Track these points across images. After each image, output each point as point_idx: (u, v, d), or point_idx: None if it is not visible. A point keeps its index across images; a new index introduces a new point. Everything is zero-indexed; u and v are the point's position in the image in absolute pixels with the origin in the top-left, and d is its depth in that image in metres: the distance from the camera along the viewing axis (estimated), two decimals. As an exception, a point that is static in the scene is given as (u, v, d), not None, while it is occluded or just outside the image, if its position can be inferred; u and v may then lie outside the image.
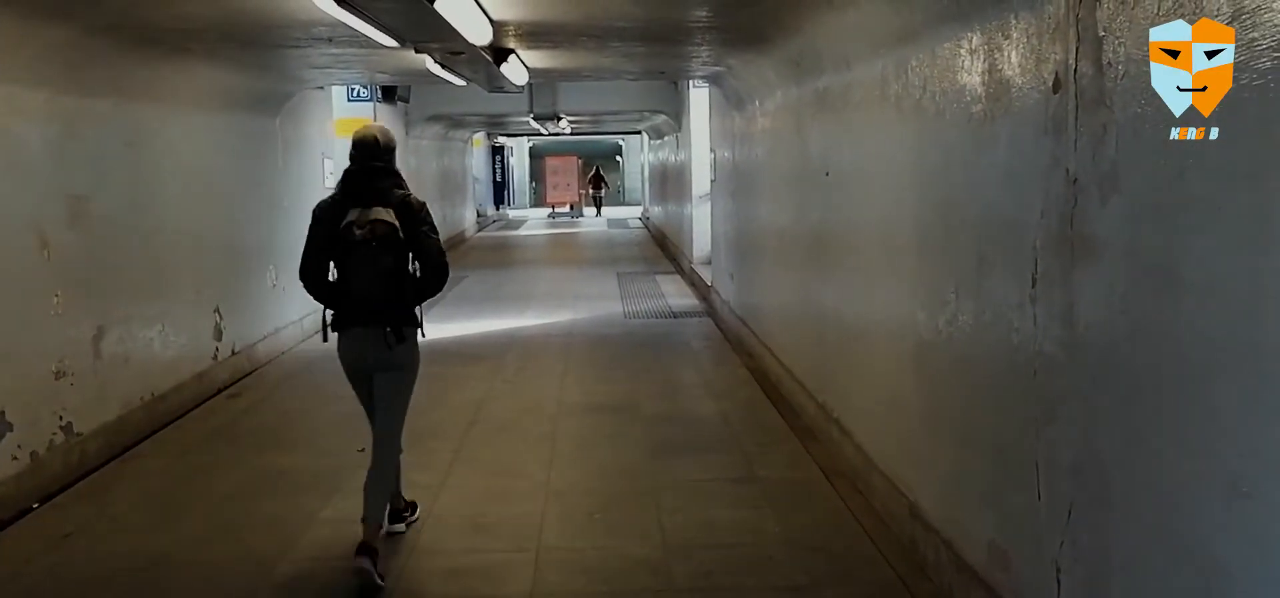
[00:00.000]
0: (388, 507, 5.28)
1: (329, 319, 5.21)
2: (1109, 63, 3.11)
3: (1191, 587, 2.84)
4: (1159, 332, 2.95)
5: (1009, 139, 3.94)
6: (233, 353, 9.53)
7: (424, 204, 5.21)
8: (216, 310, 9.21)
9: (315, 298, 5.25)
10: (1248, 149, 2.57)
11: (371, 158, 5.08)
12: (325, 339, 5.30)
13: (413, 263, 5.13)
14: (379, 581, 4.84)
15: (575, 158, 39.86)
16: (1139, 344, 3.05)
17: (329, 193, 5.25)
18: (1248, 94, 2.52)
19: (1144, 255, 3.02)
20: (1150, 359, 3.00)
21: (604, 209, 39.27)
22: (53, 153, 6.65)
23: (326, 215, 5.10)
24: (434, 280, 5.16)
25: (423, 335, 5.41)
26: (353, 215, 4.97)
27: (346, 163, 5.11)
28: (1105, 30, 3.12)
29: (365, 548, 4.88)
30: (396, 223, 4.97)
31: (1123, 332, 3.14)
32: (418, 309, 5.27)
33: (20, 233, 6.26)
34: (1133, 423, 3.10)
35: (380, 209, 4.97)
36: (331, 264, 5.11)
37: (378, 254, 4.98)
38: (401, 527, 5.58)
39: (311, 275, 5.15)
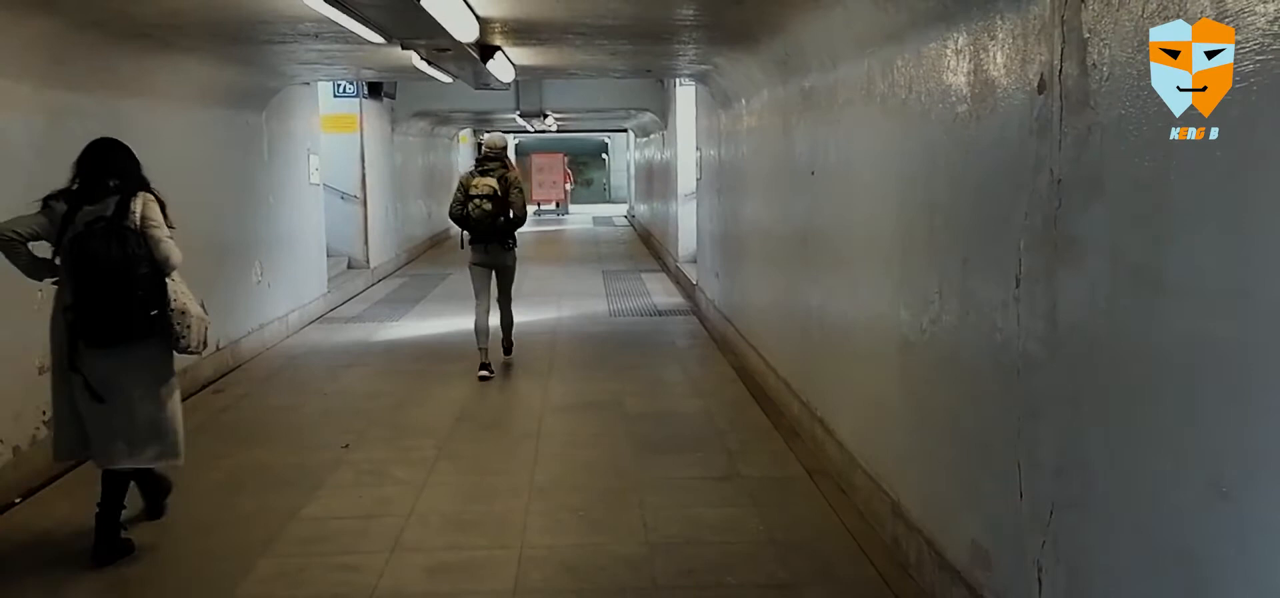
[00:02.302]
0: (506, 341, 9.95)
1: (466, 238, 9.49)
2: (1094, 64, 3.13)
3: (1172, 587, 2.86)
4: (1141, 332, 2.96)
5: (994, 139, 3.96)
6: (217, 348, 9.49)
7: (517, 178, 9.41)
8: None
9: (457, 225, 9.48)
10: (1230, 151, 2.59)
11: (488, 159, 9.43)
12: (462, 247, 9.68)
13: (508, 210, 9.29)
14: (490, 373, 9.27)
15: (562, 155, 39.81)
16: (1121, 345, 3.07)
17: (466, 169, 9.63)
18: (1230, 97, 2.54)
19: (1127, 256, 3.04)
20: (1132, 360, 3.02)
21: (590, 207, 39.21)
22: (36, 146, 6.61)
23: (464, 182, 9.39)
24: (517, 222, 9.36)
25: (515, 247, 9.65)
26: (476, 182, 9.24)
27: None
28: (1090, 32, 3.14)
29: (487, 366, 9.30)
30: (496, 189, 9.19)
31: (1105, 332, 3.16)
32: (513, 235, 9.46)
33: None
34: (1115, 423, 3.12)
35: (491, 181, 9.23)
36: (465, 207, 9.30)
37: (485, 201, 9.16)
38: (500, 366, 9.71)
39: (456, 213, 9.37)
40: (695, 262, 14.19)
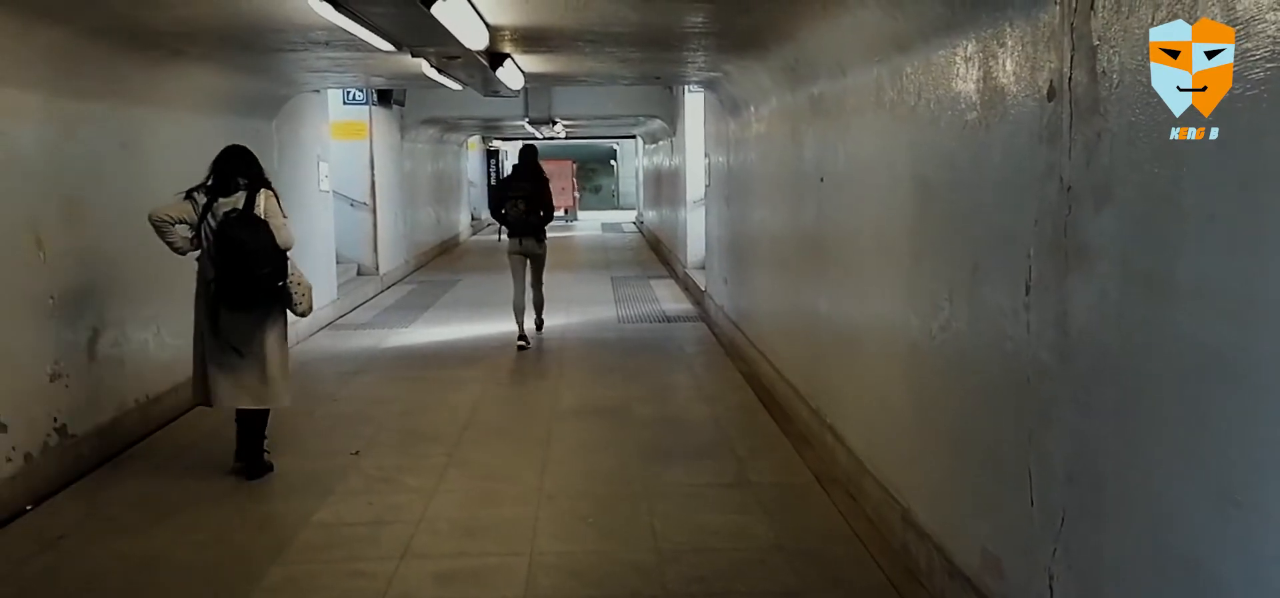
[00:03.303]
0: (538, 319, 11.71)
1: (505, 233, 11.19)
2: (1104, 71, 3.13)
3: (1184, 595, 2.85)
4: (1152, 339, 2.96)
5: (1003, 146, 3.96)
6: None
7: (547, 179, 11.34)
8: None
9: (497, 221, 11.29)
10: (1241, 157, 2.58)
11: (525, 159, 11.29)
12: (500, 239, 11.49)
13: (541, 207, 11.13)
14: (526, 344, 11.09)
15: (570, 162, 39.84)
16: (1132, 352, 3.07)
17: (505, 174, 12.91)
18: (1241, 104, 2.54)
19: (1138, 263, 3.04)
20: (1144, 367, 3.02)
21: (598, 213, 39.23)
22: (49, 154, 6.65)
23: (503, 181, 11.77)
24: (547, 218, 11.13)
25: (546, 240, 11.40)
26: (515, 182, 11.18)
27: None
28: (1100, 39, 3.14)
29: (524, 337, 11.13)
30: (531, 189, 10.97)
31: (1116, 339, 3.15)
32: (544, 229, 11.18)
33: (16, 234, 6.26)
34: (1126, 431, 3.12)
35: (527, 184, 11.01)
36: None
37: (521, 201, 10.91)
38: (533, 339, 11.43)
39: (495, 210, 11.23)
40: (704, 268, 14.19)
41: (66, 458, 6.67)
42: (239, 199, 6.37)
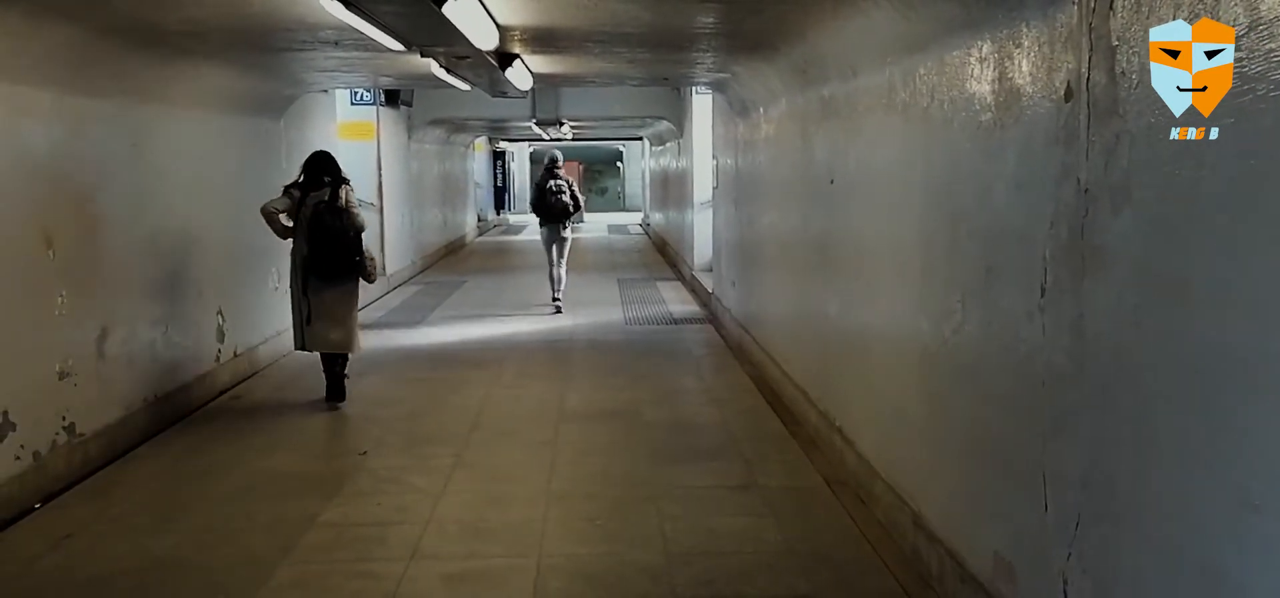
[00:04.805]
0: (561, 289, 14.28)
1: (540, 221, 14.16)
2: (1122, 72, 3.10)
3: (1201, 600, 2.83)
4: (1170, 343, 2.94)
5: (1019, 148, 3.93)
6: (235, 355, 9.52)
7: (572, 181, 14.13)
8: (219, 312, 9.20)
9: (534, 212, 14.34)
10: (1262, 160, 2.56)
11: (553, 165, 14.12)
12: (542, 226, 14.37)
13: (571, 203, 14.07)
14: (559, 304, 14.07)
15: (577, 164, 39.81)
16: (1150, 355, 3.04)
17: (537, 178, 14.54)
18: (1264, 104, 2.51)
19: (1156, 266, 3.01)
20: (1161, 371, 2.99)
21: (605, 215, 39.18)
22: (59, 152, 6.65)
23: (538, 184, 14.25)
24: (577, 212, 14.14)
25: (577, 228, 16.70)
26: (549, 182, 13.89)
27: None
28: (1119, 39, 3.12)
29: (557, 298, 14.15)
30: (564, 186, 13.92)
31: (1133, 343, 3.13)
32: (570, 220, 14.12)
33: (26, 232, 6.25)
34: (1142, 435, 3.09)
35: (561, 181, 13.92)
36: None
37: (558, 195, 13.92)
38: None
39: (534, 203, 14.28)
40: (711, 270, 14.17)
41: (75, 457, 6.66)
42: (325, 192, 8.25)
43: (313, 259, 8.20)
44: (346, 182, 8.45)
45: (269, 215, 8.35)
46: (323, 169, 8.41)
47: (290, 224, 8.33)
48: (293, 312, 8.56)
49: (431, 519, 5.88)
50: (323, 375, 8.69)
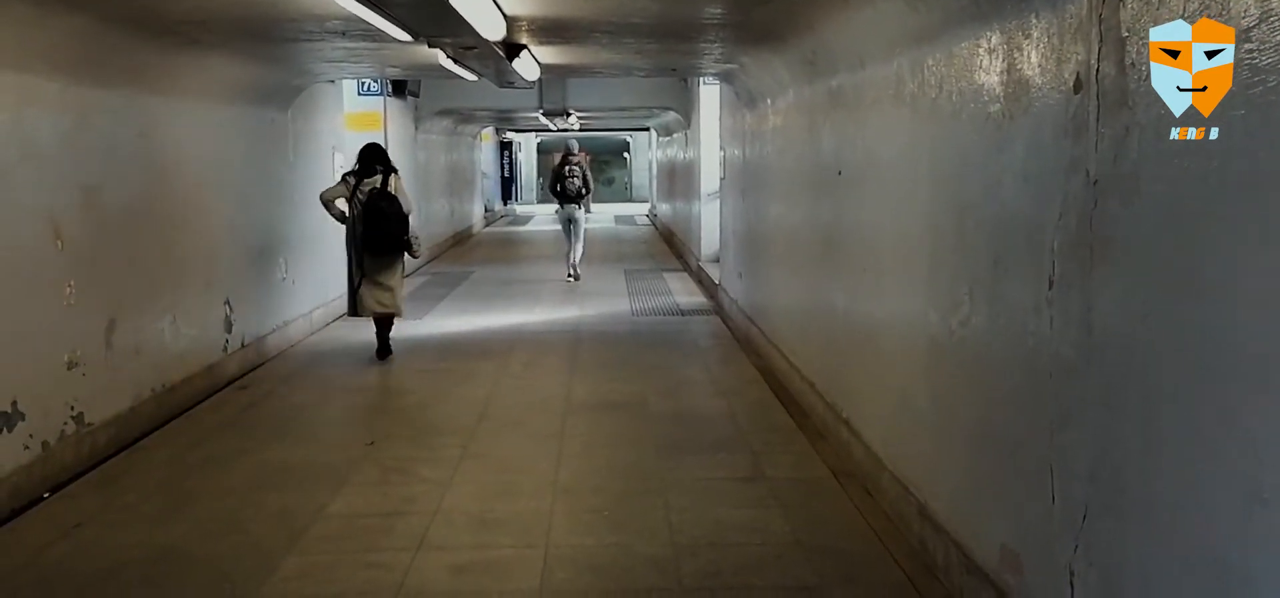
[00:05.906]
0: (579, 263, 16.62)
1: (557, 202, 16.62)
2: (1132, 63, 3.09)
3: (1209, 594, 2.82)
4: (1178, 336, 2.93)
5: (1027, 140, 3.92)
6: (242, 345, 9.54)
7: (586, 168, 16.85)
8: (226, 303, 9.22)
9: (552, 194, 16.82)
10: (1274, 152, 2.55)
11: (569, 153, 16.56)
12: (559, 207, 16.81)
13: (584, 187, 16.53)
14: (575, 278, 16.34)
15: (586, 153, 39.73)
16: (1158, 348, 3.03)
17: (556, 165, 16.79)
18: (1276, 96, 2.50)
19: (1165, 258, 3.00)
20: (1169, 363, 2.98)
21: (611, 206, 39.15)
22: (66, 143, 6.66)
23: (555, 169, 16.61)
24: (589, 195, 16.69)
25: (589, 210, 17.58)
26: (565, 167, 16.36)
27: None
28: (1129, 31, 3.10)
29: (572, 272, 16.45)
30: (579, 171, 16.46)
31: (1141, 335, 3.12)
32: (585, 201, 16.56)
33: (34, 223, 6.27)
34: (1150, 428, 3.09)
35: (576, 166, 16.43)
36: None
37: (574, 179, 16.39)
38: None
39: (552, 186, 16.63)
40: (718, 261, 14.15)
41: (83, 447, 6.68)
42: (377, 180, 9.57)
43: (366, 237, 9.54)
44: (396, 171, 9.79)
45: (327, 202, 9.72)
46: (376, 159, 9.73)
47: (345, 210, 9.67)
48: (347, 281, 9.91)
49: (439, 510, 5.89)
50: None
